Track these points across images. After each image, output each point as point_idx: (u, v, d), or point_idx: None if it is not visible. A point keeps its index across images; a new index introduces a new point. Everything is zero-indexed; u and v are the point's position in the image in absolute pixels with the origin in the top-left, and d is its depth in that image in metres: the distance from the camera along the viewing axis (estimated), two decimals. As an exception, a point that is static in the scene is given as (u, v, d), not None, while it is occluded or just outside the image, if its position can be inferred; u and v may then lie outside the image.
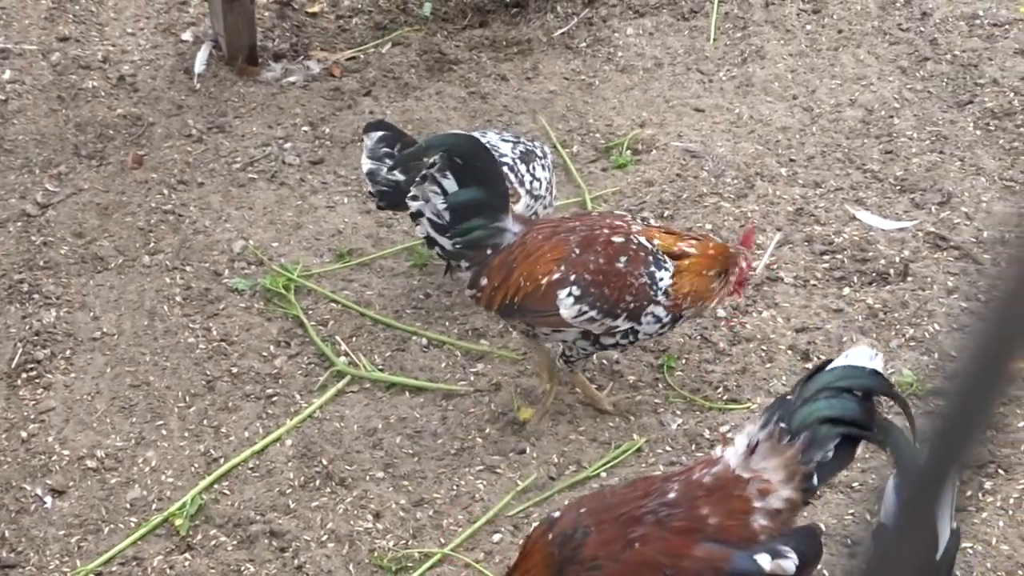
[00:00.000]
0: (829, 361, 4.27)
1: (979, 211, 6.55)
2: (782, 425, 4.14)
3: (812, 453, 4.14)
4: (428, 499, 5.47)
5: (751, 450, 4.18)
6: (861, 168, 6.86)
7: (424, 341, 6.13)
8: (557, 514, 4.26)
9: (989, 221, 6.45)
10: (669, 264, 5.33)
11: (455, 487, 5.51)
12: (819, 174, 6.85)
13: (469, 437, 5.70)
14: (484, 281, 5.42)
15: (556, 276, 5.32)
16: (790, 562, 4.10)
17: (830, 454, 4.17)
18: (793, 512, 4.16)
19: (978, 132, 7.05)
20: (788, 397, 4.22)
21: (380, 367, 6.01)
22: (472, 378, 5.96)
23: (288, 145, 7.31)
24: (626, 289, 5.30)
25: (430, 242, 5.50)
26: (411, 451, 5.66)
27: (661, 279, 5.32)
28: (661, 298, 5.34)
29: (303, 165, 7.19)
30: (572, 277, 5.32)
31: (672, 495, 4.19)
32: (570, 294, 5.32)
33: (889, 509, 3.85)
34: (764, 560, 4.10)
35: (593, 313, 5.33)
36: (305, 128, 7.45)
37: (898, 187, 6.74)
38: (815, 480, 4.15)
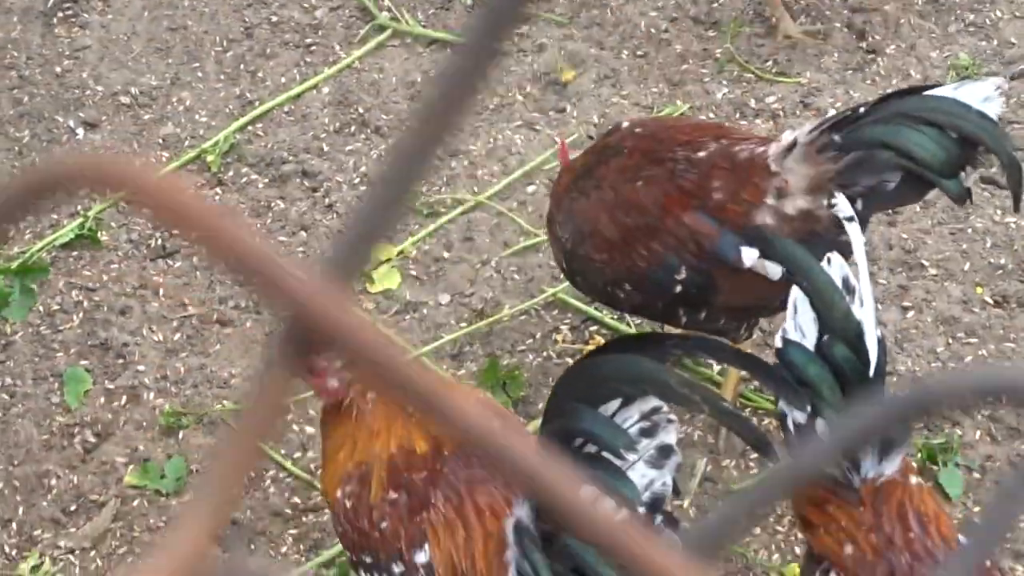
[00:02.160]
0: (934, 86, 4.02)
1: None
2: (835, 137, 3.89)
3: (858, 176, 3.88)
4: (464, 150, 5.36)
5: (789, 148, 3.97)
6: None
7: (469, 0, 5.96)
8: (625, 124, 4.20)
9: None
10: None
11: (492, 140, 5.39)
12: None
13: (509, 94, 5.57)
14: None
15: None
16: (777, 267, 3.90)
17: (890, 185, 3.93)
18: (812, 226, 3.93)
19: None
20: (861, 108, 3.96)
21: (423, 24, 5.86)
22: (516, 39, 5.80)
23: None
24: None
25: None
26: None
27: None
28: None
29: None
30: None
31: (702, 154, 4.04)
32: None
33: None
34: (749, 254, 3.93)
35: None
36: None
37: None
38: (859, 205, 3.89)
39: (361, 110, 5.50)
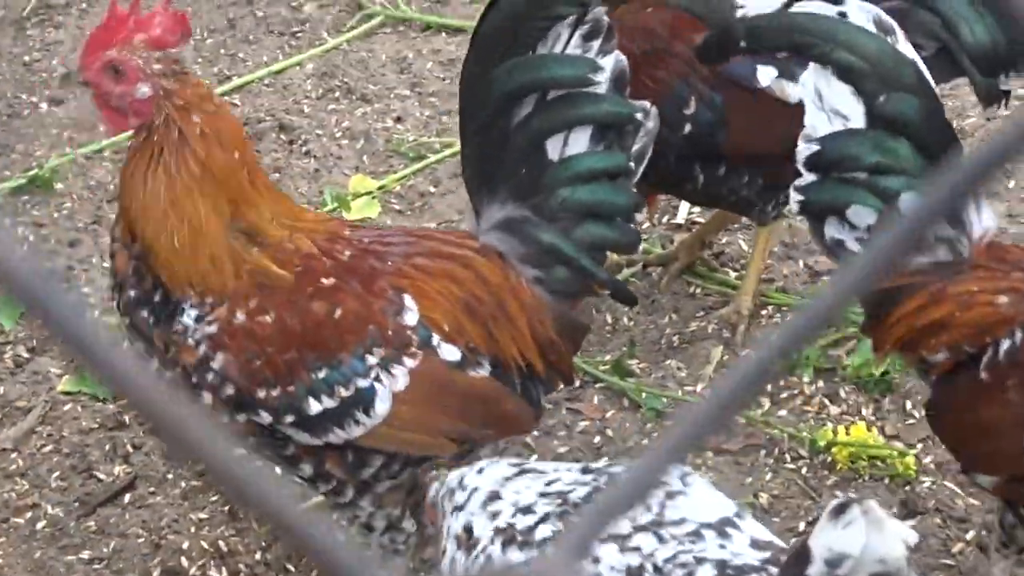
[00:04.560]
0: None
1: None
2: None
3: None
4: (455, 109, 4.92)
5: None
6: None
7: (467, -3, 5.62)
8: None
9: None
10: None
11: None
12: None
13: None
14: None
15: None
16: (797, 89, 3.42)
17: (920, 54, 3.51)
18: None
19: None
20: None
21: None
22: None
23: None
24: None
25: None
26: (442, 75, 5.13)
27: None
28: None
29: None
30: None
31: None
32: None
33: None
34: (766, 73, 3.47)
35: None
36: None
37: None
38: None
39: (347, 81, 5.10)
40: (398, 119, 4.90)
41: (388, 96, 5.04)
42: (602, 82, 2.89)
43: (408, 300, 2.84)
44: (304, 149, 4.76)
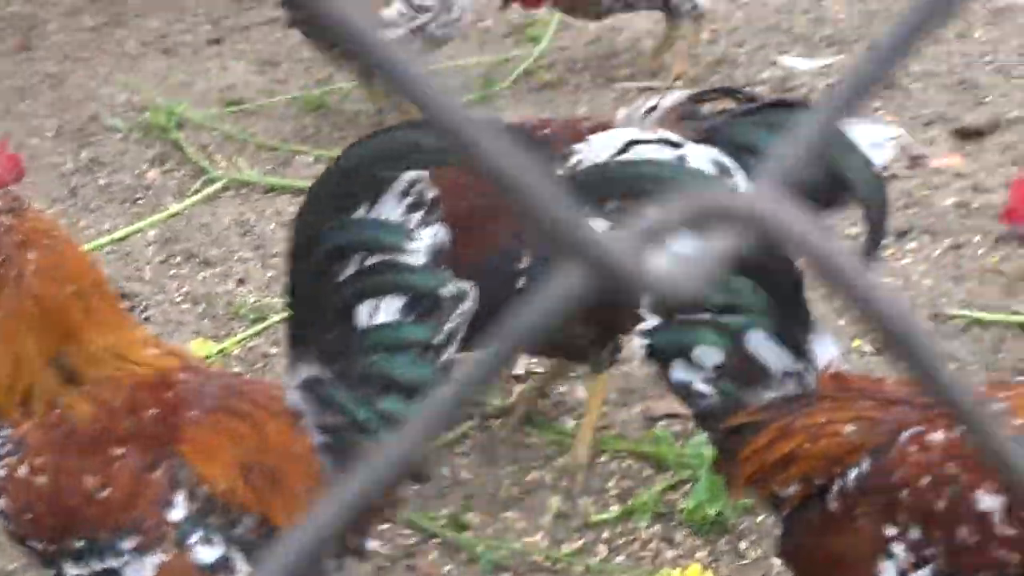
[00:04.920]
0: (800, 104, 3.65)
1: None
2: (702, 111, 3.56)
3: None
4: (298, 270, 4.94)
5: (647, 112, 3.62)
6: (788, 31, 6.50)
7: (311, 159, 5.67)
8: None
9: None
10: None
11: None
12: (742, 37, 6.47)
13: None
14: None
15: None
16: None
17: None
18: None
19: None
20: (742, 100, 3.59)
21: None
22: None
23: (182, 25, 6.95)
24: None
25: None
26: (285, 236, 5.14)
27: None
28: None
29: (199, 44, 6.80)
30: None
31: (546, 131, 3.70)
32: None
33: None
34: (595, 225, 3.50)
35: None
36: (207, 27, 7.09)
37: (824, 43, 6.37)
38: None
39: (190, 245, 5.11)
40: (240, 281, 4.90)
41: (231, 259, 5.05)
42: (417, 251, 2.88)
43: (179, 497, 2.83)
44: (144, 316, 4.74)
